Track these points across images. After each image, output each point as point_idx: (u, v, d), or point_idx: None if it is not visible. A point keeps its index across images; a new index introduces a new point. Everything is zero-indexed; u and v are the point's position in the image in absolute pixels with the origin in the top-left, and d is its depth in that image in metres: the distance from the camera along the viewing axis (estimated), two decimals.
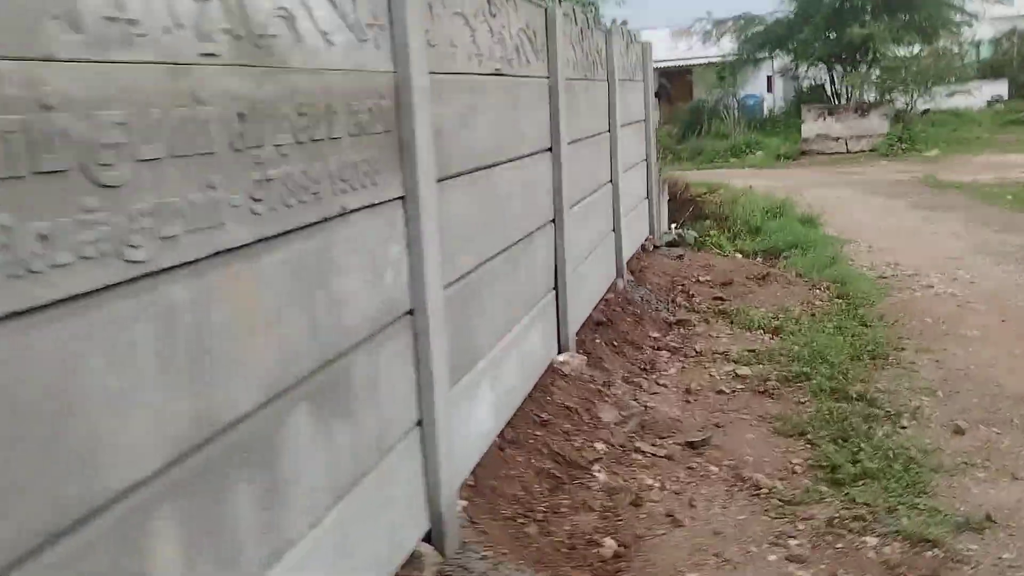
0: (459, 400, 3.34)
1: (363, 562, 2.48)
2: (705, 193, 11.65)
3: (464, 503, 3.33)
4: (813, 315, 6.87)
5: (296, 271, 2.17)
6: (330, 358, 2.33)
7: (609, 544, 3.49)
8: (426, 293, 2.89)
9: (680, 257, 8.64)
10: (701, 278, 7.89)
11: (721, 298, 7.28)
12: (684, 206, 11.32)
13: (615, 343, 5.76)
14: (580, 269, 5.48)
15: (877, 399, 4.94)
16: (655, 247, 8.81)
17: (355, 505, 2.45)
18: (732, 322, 6.66)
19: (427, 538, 3.00)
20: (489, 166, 3.75)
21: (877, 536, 3.49)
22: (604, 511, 3.73)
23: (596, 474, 3.99)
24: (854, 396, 4.95)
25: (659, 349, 5.96)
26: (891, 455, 4.13)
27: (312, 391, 2.23)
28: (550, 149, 4.81)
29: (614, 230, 6.83)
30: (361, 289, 2.52)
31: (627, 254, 7.22)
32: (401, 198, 2.81)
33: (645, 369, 5.55)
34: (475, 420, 3.53)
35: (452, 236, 3.26)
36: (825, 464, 4.11)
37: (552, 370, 4.80)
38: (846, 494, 3.83)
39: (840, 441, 4.36)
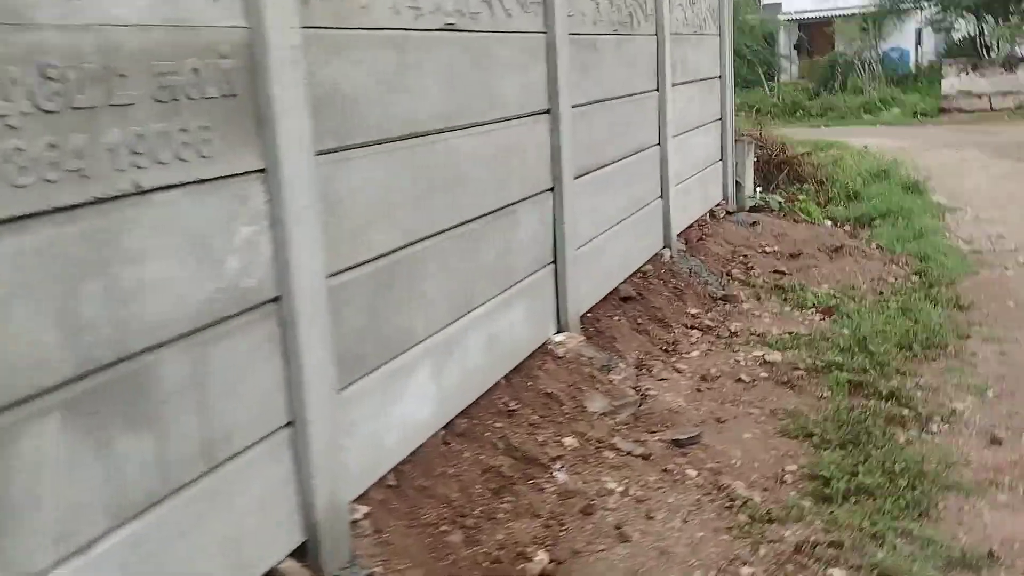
0: (369, 393, 3.02)
1: None
2: (804, 154, 10.83)
3: (365, 509, 3.01)
4: (880, 294, 6.22)
5: (41, 262, 1.87)
6: (110, 360, 2.03)
7: (540, 559, 3.11)
8: (293, 280, 2.57)
9: (754, 224, 8.01)
10: (768, 249, 7.28)
11: (782, 272, 6.69)
12: (779, 168, 10.59)
13: (639, 321, 5.30)
14: (597, 241, 5.05)
15: (912, 397, 4.35)
16: (727, 213, 8.21)
17: (159, 523, 2.16)
18: (785, 299, 6.09)
19: (304, 552, 2.71)
20: (433, 132, 3.38)
21: (846, 569, 2.99)
22: (550, 518, 3.35)
23: (556, 474, 3.61)
24: (884, 393, 4.36)
25: (691, 328, 5.47)
26: (899, 468, 3.58)
27: (73, 400, 1.94)
28: (548, 111, 4.37)
29: (661, 197, 6.32)
30: (177, 278, 2.21)
31: (680, 223, 6.69)
32: (261, 172, 2.49)
33: (666, 351, 5.09)
34: (398, 414, 3.20)
35: (356, 213, 2.93)
36: (820, 474, 3.60)
37: (544, 352, 4.41)
38: (831, 513, 3.33)
39: (849, 446, 3.84)
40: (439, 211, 3.45)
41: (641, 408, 4.28)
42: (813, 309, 5.85)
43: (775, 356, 4.91)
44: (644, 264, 5.97)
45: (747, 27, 27.32)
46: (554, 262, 4.50)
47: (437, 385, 3.45)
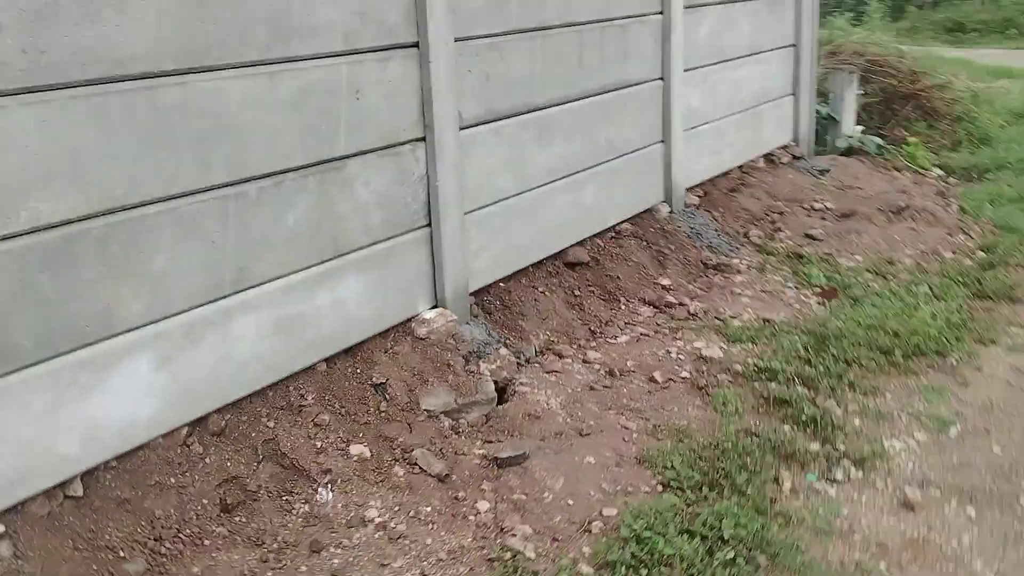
0: (19, 393, 2.52)
1: None
2: (938, 85, 9.25)
3: (1, 529, 2.53)
4: (922, 272, 5.09)
5: None
6: None
7: None
8: None
9: (823, 172, 6.87)
10: (818, 205, 6.18)
11: (814, 237, 5.63)
12: (904, 101, 9.13)
13: (577, 293, 4.53)
14: (520, 199, 4.29)
15: (839, 427, 3.42)
16: (795, 157, 7.08)
17: None
18: (795, 273, 5.09)
19: None
20: (156, 75, 2.76)
21: None
22: (272, 552, 2.78)
23: (320, 491, 3.01)
24: (804, 417, 3.45)
25: (646, 303, 4.63)
26: (733, 533, 2.73)
27: None
28: (414, 45, 3.63)
29: (662, 142, 5.40)
30: None
31: (694, 172, 5.74)
32: None
33: (593, 332, 4.31)
34: (85, 414, 2.68)
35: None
36: (621, 529, 2.82)
37: (403, 331, 3.76)
38: None
39: (705, 490, 3.01)
40: (179, 170, 2.85)
41: (498, 408, 3.58)
42: (819, 289, 4.85)
43: (714, 351, 4.03)
44: (621, 222, 5.12)
45: None
46: (429, 226, 3.81)
47: (170, 378, 2.90)
